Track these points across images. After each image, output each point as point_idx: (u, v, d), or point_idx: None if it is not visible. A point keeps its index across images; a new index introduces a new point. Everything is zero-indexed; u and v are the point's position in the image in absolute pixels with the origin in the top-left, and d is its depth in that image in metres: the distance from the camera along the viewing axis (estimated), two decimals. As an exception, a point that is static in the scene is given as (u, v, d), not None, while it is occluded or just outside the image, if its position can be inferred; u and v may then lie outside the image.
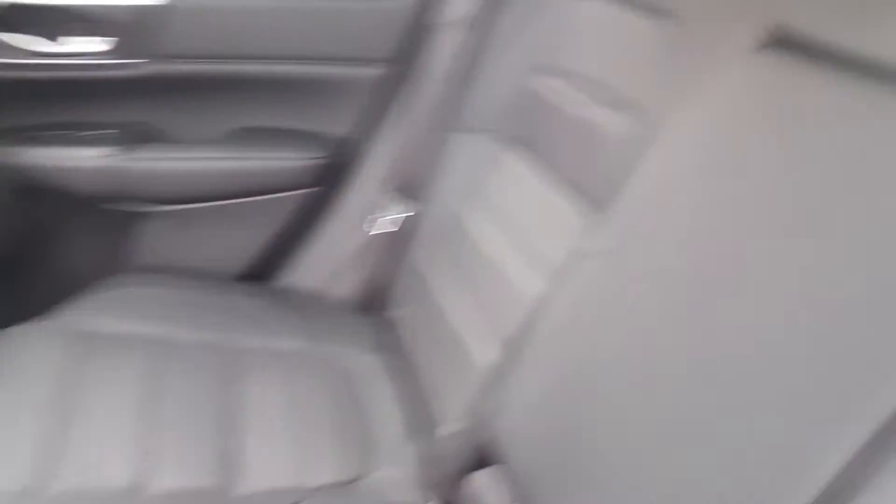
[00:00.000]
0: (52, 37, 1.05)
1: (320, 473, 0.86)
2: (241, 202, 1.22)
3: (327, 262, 1.29)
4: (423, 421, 0.95)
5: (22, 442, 0.78)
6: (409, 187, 1.21)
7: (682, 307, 0.57)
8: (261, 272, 1.29)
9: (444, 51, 1.10)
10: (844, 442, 0.43)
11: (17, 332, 0.95)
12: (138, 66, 1.08)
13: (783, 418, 0.47)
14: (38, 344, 0.92)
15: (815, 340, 0.47)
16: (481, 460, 0.78)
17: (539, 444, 0.70)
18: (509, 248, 0.88)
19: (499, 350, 0.82)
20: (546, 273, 0.79)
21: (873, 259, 0.46)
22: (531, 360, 0.75)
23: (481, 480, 0.75)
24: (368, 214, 1.25)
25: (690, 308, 0.56)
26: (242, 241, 1.26)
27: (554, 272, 0.77)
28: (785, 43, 0.59)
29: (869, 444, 0.42)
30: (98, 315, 1.01)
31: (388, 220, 1.22)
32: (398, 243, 1.22)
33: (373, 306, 1.27)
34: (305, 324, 1.15)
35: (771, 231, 0.53)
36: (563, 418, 0.67)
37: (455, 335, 0.91)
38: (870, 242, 0.46)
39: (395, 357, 1.10)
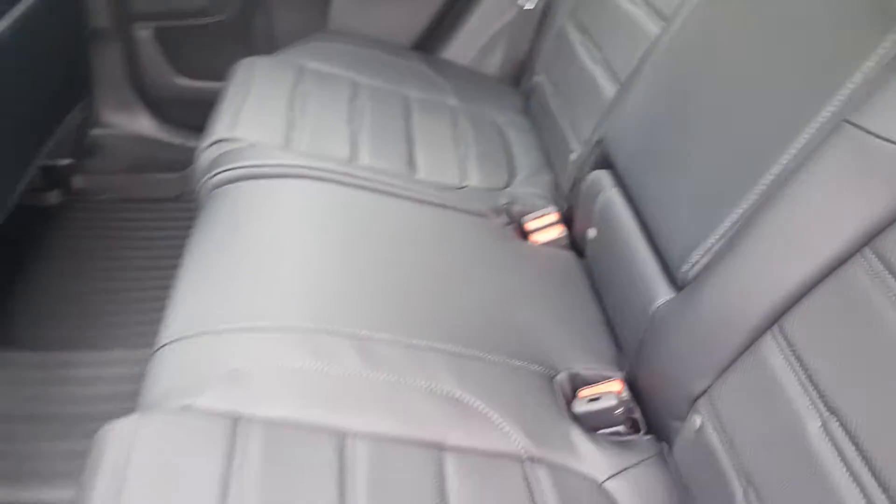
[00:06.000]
0: None
1: (472, 176, 1.12)
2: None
3: (479, 37, 1.51)
4: (559, 153, 1.18)
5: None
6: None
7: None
8: (426, 45, 1.53)
9: None
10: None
11: (248, 61, 1.26)
12: None
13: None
14: (266, 70, 1.24)
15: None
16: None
17: (638, 147, 0.92)
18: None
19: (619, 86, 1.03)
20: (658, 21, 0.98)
21: None
22: (641, 89, 0.96)
23: (595, 175, 0.98)
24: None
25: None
26: (410, 15, 1.50)
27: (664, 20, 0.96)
28: None
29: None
30: (306, 57, 1.31)
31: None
32: (540, 18, 1.41)
33: (518, 79, 1.49)
34: (462, 87, 1.39)
35: None
36: (660, 126, 0.89)
37: (590, 78, 1.11)
38: None
39: (539, 116, 1.33)
